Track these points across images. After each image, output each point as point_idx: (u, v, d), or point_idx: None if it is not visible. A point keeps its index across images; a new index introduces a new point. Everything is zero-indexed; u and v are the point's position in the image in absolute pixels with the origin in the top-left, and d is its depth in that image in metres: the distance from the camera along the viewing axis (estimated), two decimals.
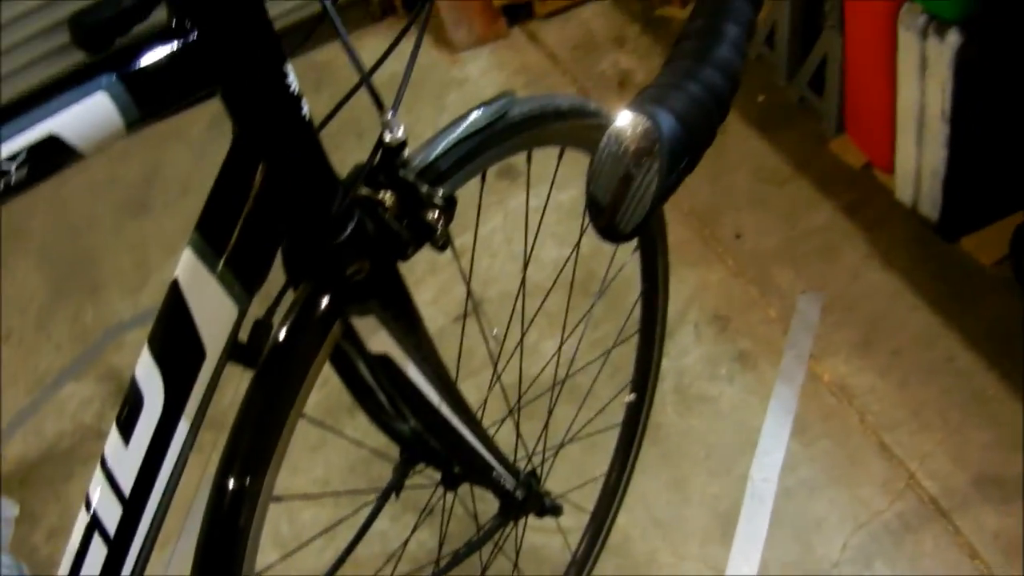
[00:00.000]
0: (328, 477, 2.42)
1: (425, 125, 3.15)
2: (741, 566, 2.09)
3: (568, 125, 1.41)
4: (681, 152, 0.83)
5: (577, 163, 1.47)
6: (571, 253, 1.66)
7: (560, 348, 1.77)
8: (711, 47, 0.88)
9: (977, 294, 2.44)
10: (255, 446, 1.06)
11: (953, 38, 2.19)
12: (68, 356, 3.01)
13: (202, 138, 3.54)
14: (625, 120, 0.82)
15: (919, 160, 2.48)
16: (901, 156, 2.55)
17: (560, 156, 1.48)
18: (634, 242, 1.69)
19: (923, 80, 2.34)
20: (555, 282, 1.74)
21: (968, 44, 2.19)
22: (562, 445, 1.86)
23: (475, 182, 1.30)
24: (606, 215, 0.84)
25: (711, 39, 0.89)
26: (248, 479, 1.05)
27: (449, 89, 3.60)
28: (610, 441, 2.04)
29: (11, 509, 2.73)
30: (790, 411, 2.31)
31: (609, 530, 2.07)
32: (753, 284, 2.60)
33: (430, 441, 1.41)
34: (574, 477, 2.00)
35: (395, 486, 1.47)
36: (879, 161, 2.73)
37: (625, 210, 0.83)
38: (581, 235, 1.59)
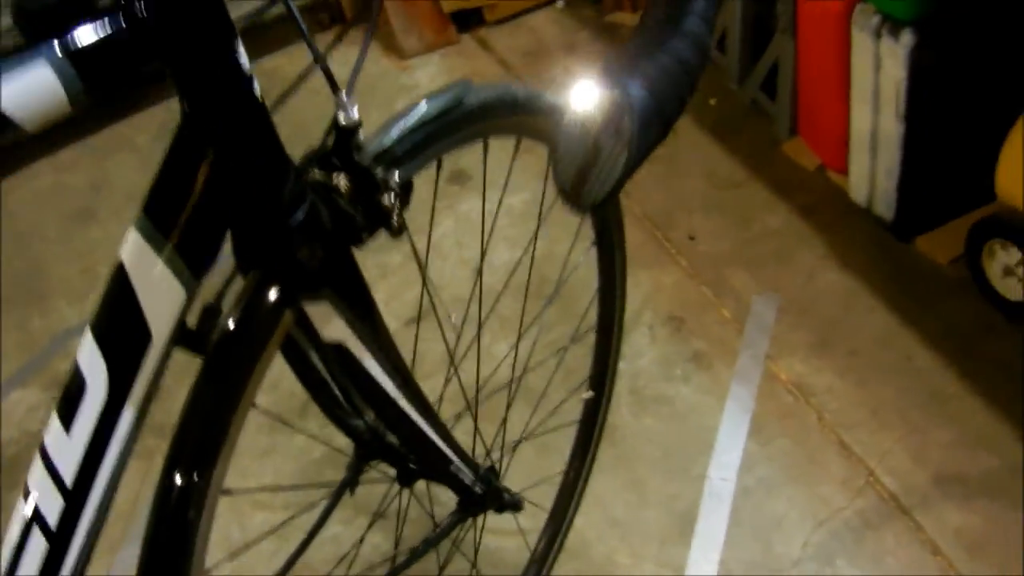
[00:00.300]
0: (278, 482, 2.37)
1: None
2: (701, 566, 2.05)
3: (524, 115, 1.37)
4: (651, 122, 0.80)
5: (529, 167, 1.44)
6: (529, 243, 1.62)
7: (517, 343, 1.73)
8: (679, 18, 0.85)
9: (934, 293, 2.44)
10: (205, 437, 1.01)
11: (907, 38, 2.18)
12: (14, 364, 2.94)
13: (149, 147, 3.47)
14: (594, 89, 0.79)
15: (873, 161, 2.47)
16: (855, 157, 2.54)
17: (517, 146, 1.44)
18: (591, 237, 1.66)
19: (877, 80, 2.33)
20: (507, 284, 1.70)
21: (922, 44, 2.19)
22: (520, 441, 1.81)
23: (429, 173, 1.26)
24: (574, 186, 0.80)
25: (679, 10, 0.86)
26: (197, 471, 1.00)
27: (399, 96, 3.56)
28: (567, 440, 2.00)
29: None
30: (747, 410, 2.28)
31: (568, 528, 2.02)
32: (707, 286, 2.57)
33: (386, 436, 1.37)
34: (531, 476, 1.94)
35: (349, 482, 1.43)
36: (833, 163, 2.71)
37: (594, 181, 0.80)
38: (537, 231, 1.57)
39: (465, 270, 2.74)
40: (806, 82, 2.70)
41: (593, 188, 0.79)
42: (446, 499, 1.56)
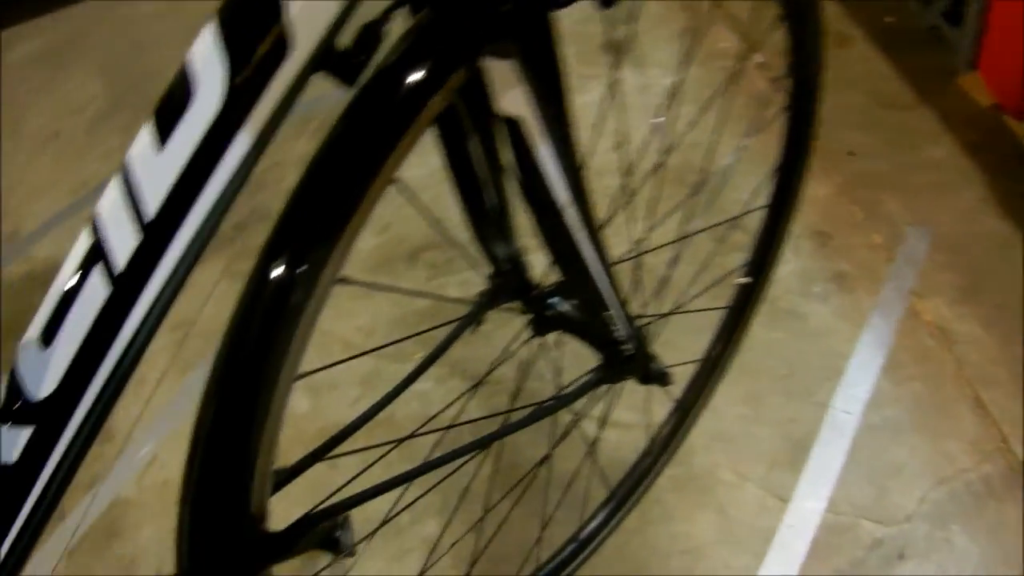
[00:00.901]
0: (374, 326, 2.13)
1: None
2: (808, 499, 1.81)
3: None
4: None
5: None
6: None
7: (690, 196, 1.46)
8: None
9: None
10: (334, 198, 0.74)
11: None
12: (116, 165, 2.73)
13: None
14: None
15: None
16: None
17: None
18: (784, 102, 1.39)
19: None
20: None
21: None
22: (672, 312, 1.52)
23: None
24: None
25: None
26: (317, 241, 0.74)
27: None
28: (695, 330, 1.74)
29: None
30: (884, 345, 2.01)
31: (695, 419, 1.77)
32: (860, 206, 2.29)
33: (527, 272, 1.11)
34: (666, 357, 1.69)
35: (476, 315, 1.16)
36: (1010, 104, 2.41)
37: None
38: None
39: (604, 143, 2.47)
40: (998, 16, 2.39)
41: None
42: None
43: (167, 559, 1.85)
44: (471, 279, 2.17)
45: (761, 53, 1.36)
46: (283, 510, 0.98)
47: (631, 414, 1.77)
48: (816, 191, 2.32)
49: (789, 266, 2.17)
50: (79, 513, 1.87)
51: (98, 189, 2.67)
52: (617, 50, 1.22)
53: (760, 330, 2.01)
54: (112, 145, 2.81)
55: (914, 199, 2.29)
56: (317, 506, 1.01)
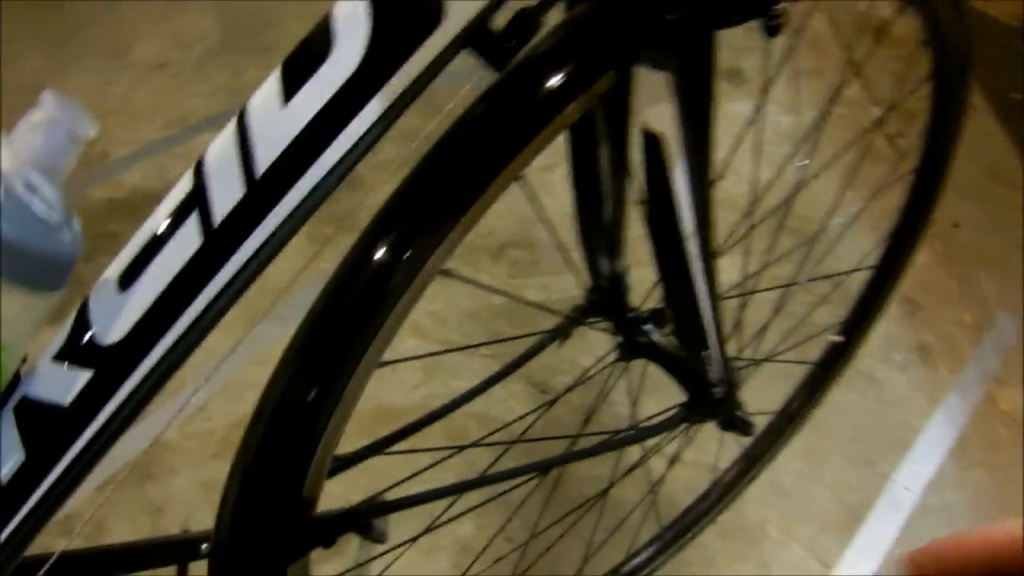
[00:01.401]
0: (446, 314, 2.06)
1: None
2: (851, 569, 1.73)
3: None
4: None
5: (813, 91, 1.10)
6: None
7: (814, 238, 1.39)
8: None
9: None
10: (457, 182, 0.68)
11: None
12: (219, 105, 2.70)
13: None
14: None
15: None
16: None
17: None
18: (914, 163, 1.31)
19: None
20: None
21: None
22: (766, 359, 1.43)
23: None
24: None
25: None
26: (433, 218, 0.68)
27: None
28: (776, 382, 1.66)
29: (88, 124, 2.42)
30: (956, 426, 1.93)
31: (760, 470, 1.67)
32: (956, 280, 2.20)
33: (626, 294, 1.04)
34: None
35: (565, 330, 1.10)
36: None
37: None
38: None
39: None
40: None
41: None
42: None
43: (196, 512, 1.79)
44: (551, 284, 2.11)
45: (879, 107, 1.28)
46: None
47: (695, 453, 1.70)
48: (914, 257, 2.24)
49: (874, 329, 2.09)
50: (118, 448, 1.83)
51: (195, 126, 2.63)
52: (765, 87, 1.15)
53: (834, 389, 1.93)
54: (217, 84, 2.77)
55: (1011, 282, 2.19)
56: (367, 500, 0.96)
